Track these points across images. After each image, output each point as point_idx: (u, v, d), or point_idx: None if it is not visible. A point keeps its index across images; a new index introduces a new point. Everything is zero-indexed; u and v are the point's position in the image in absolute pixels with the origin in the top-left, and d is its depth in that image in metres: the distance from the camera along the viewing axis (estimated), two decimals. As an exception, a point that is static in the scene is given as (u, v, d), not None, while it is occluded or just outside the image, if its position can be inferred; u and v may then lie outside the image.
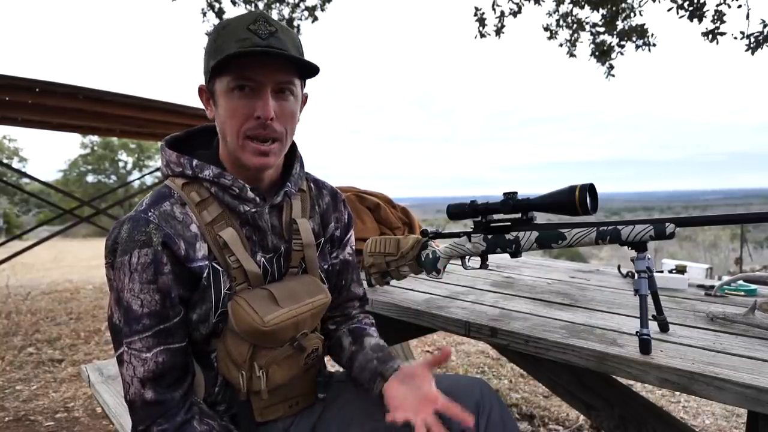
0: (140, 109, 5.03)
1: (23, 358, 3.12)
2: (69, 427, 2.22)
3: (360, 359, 0.95)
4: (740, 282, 1.40)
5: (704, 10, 4.14)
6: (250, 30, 0.77)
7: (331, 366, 2.81)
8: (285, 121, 0.83)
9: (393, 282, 1.55)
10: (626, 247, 0.95)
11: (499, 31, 5.12)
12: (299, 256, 0.92)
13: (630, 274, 1.66)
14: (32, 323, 3.96)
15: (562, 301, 1.30)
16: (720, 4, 4.13)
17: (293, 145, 0.94)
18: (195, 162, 0.84)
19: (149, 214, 0.78)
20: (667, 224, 0.90)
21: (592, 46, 5.16)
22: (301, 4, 5.54)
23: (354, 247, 1.09)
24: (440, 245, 1.30)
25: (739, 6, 4.10)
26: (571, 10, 5.11)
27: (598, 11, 4.91)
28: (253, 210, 0.86)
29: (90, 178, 29.71)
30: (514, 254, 1.10)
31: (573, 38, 5.26)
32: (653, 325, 0.96)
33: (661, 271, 1.56)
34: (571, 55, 5.35)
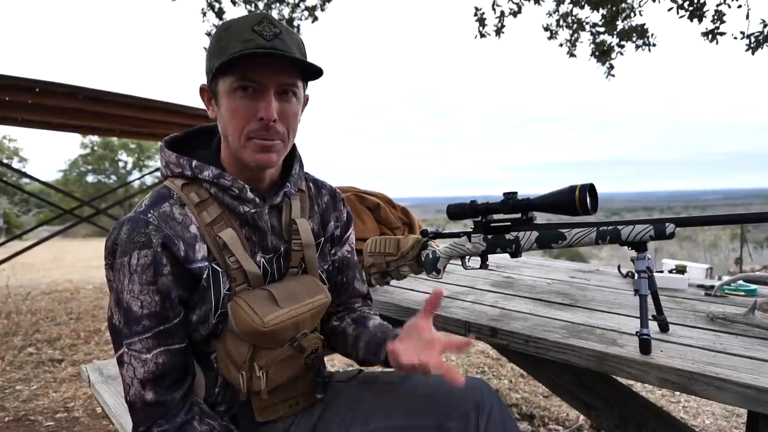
0: (140, 109, 5.03)
1: (23, 358, 3.12)
2: (69, 427, 2.22)
3: (364, 338, 0.95)
4: (740, 282, 1.40)
5: (704, 10, 4.13)
6: (254, 31, 0.77)
7: (331, 366, 2.81)
8: (287, 123, 0.83)
9: (393, 282, 1.55)
10: (626, 247, 0.95)
11: (499, 31, 5.12)
12: (299, 257, 0.92)
13: (630, 274, 1.66)
14: (32, 323, 3.96)
15: (562, 301, 1.30)
16: (720, 4, 4.13)
17: (293, 146, 0.94)
18: (194, 163, 0.84)
19: (149, 215, 0.78)
20: (667, 224, 0.90)
21: (592, 46, 5.16)
22: (301, 4, 5.53)
23: (354, 245, 1.09)
24: (440, 245, 1.30)
25: (739, 6, 4.11)
26: (571, 10, 5.11)
27: (598, 11, 4.90)
28: (253, 210, 0.86)
29: (90, 178, 29.76)
30: (514, 254, 1.10)
31: (573, 38, 5.25)
32: (653, 325, 0.96)
33: (661, 271, 1.56)
34: (571, 55, 5.35)
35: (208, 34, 5.33)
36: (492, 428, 0.82)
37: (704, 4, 4.13)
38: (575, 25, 5.16)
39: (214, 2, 5.28)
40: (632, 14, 4.80)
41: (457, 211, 1.16)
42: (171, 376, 0.79)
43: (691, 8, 4.16)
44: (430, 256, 1.30)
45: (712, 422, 2.25)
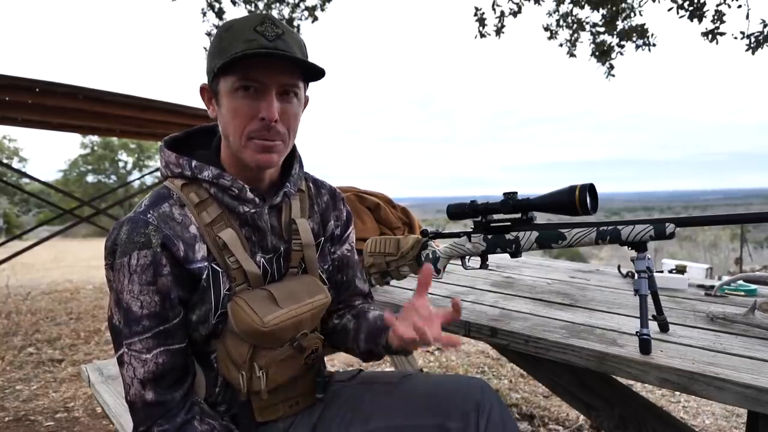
0: (140, 109, 5.03)
1: (23, 358, 3.12)
2: (69, 427, 2.22)
3: (365, 328, 0.96)
4: (740, 282, 1.40)
5: (704, 10, 4.13)
6: (257, 31, 0.77)
7: (331, 366, 2.81)
8: (288, 123, 0.83)
9: (393, 282, 1.55)
10: (626, 247, 0.95)
11: (499, 31, 5.12)
12: (299, 257, 0.92)
13: (630, 274, 1.66)
14: (32, 323, 3.96)
15: (562, 301, 1.30)
16: (720, 4, 4.13)
17: (293, 146, 0.94)
18: (194, 163, 0.84)
19: (148, 215, 0.78)
20: (667, 224, 0.90)
21: (592, 46, 5.16)
22: (301, 4, 5.53)
23: (354, 244, 1.09)
24: (440, 245, 1.30)
25: (739, 6, 4.10)
26: (571, 10, 5.11)
27: (598, 11, 4.90)
28: (253, 210, 0.86)
29: (90, 178, 29.75)
30: (514, 254, 1.10)
31: (573, 38, 5.25)
32: (653, 325, 0.96)
33: (661, 271, 1.56)
34: (571, 55, 5.35)
35: (208, 34, 5.33)
36: (492, 428, 0.82)
37: (704, 4, 4.13)
38: (575, 25, 5.17)
39: (214, 2, 5.28)
40: (632, 14, 4.81)
41: (457, 211, 1.16)
42: (171, 376, 0.79)
43: (691, 8, 4.16)
44: (430, 256, 1.30)
45: (712, 422, 2.25)
